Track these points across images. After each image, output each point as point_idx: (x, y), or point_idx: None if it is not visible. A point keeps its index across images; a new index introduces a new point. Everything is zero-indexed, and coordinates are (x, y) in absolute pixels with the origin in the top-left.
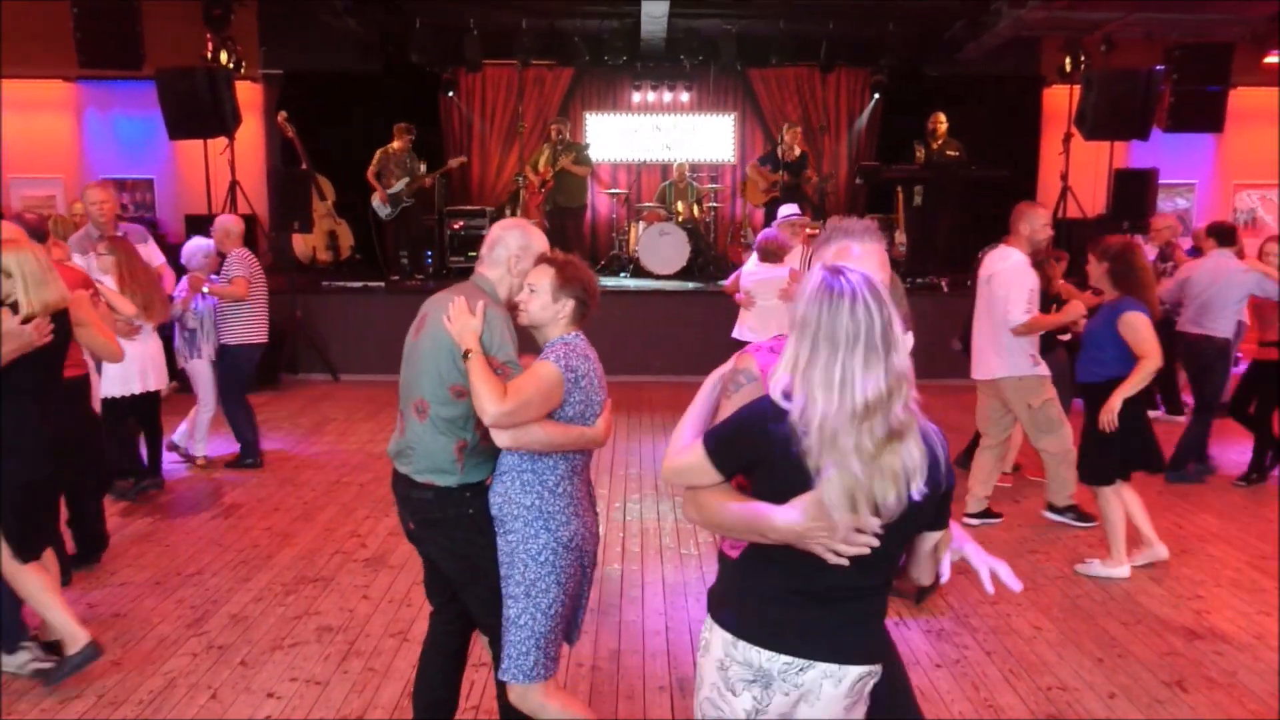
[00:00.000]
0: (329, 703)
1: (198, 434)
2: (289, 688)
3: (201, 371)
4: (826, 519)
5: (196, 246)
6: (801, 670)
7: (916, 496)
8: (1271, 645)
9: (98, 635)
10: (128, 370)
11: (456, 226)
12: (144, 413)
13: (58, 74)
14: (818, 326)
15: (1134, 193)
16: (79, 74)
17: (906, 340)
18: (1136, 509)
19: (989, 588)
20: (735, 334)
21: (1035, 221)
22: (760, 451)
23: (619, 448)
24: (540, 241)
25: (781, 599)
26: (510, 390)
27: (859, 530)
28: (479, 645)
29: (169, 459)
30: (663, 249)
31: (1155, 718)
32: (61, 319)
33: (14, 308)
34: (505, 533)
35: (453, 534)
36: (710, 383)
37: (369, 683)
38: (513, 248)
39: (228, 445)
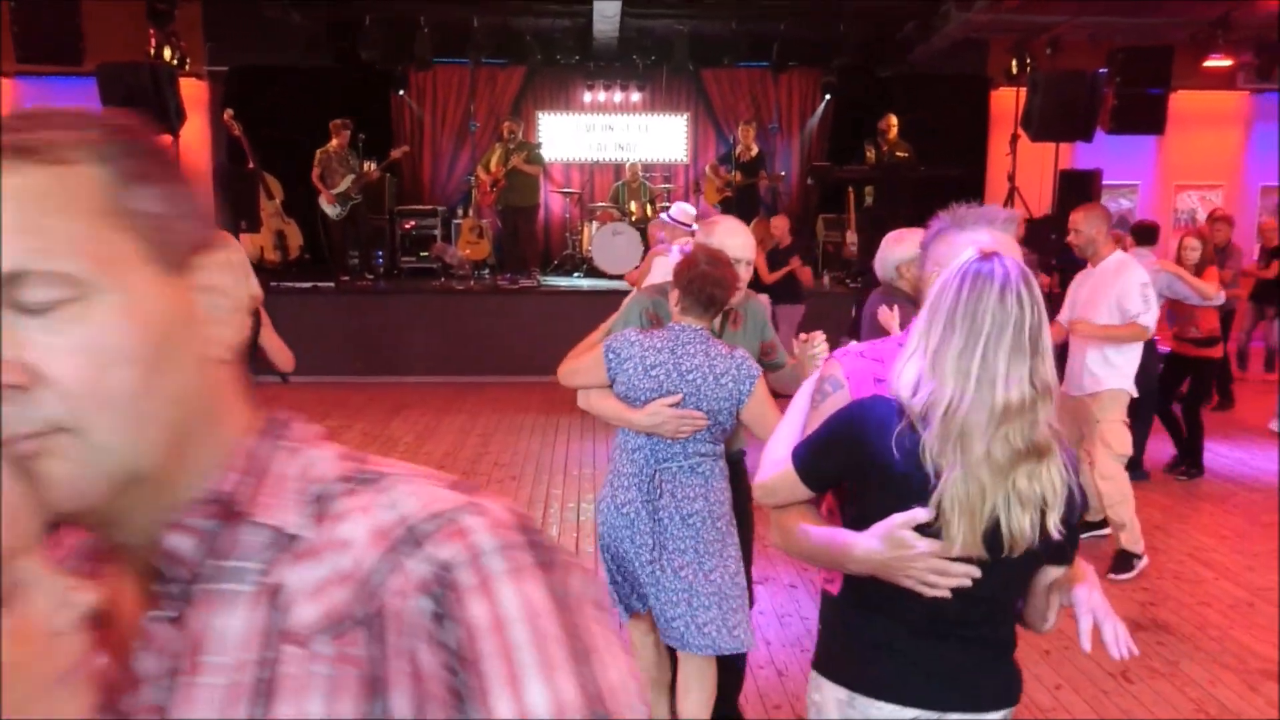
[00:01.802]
0: None
1: None
2: None
3: None
4: (910, 546)
5: None
6: None
7: (1055, 534)
8: (1212, 635)
9: None
10: None
11: (407, 226)
12: None
13: None
14: (955, 306)
15: (1079, 193)
16: (16, 69)
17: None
18: None
19: (1084, 643)
20: None
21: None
22: (851, 461)
23: (571, 448)
24: (724, 239)
25: (895, 643)
26: (572, 356)
27: (966, 559)
28: None
29: None
30: (616, 249)
31: (1100, 708)
32: (254, 318)
33: None
34: None
35: None
36: (804, 393)
37: None
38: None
39: None
